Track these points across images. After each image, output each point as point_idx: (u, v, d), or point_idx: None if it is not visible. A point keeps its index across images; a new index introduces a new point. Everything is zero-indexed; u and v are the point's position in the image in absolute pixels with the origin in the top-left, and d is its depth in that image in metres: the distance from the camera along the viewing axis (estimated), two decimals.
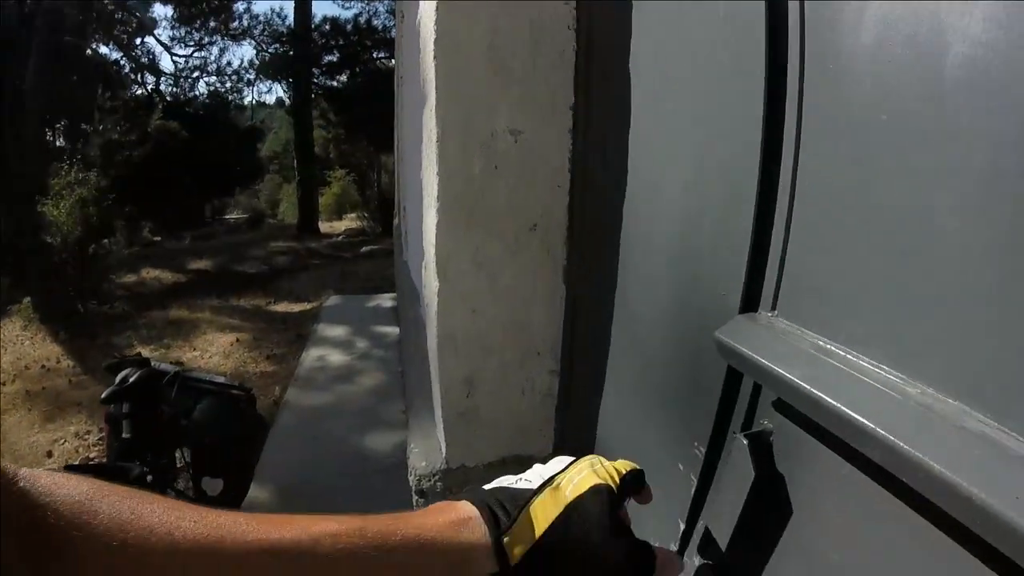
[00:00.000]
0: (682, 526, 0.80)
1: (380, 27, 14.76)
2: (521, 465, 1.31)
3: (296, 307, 7.49)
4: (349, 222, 16.21)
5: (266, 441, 3.32)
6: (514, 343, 1.08)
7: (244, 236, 14.98)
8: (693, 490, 0.77)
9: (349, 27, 14.97)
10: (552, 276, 1.04)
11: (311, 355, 4.79)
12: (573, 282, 1.04)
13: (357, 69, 15.07)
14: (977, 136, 0.39)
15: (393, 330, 5.00)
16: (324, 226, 15.67)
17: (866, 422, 0.41)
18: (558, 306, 1.06)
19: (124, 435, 2.74)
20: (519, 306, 1.04)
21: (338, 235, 14.06)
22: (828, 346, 0.52)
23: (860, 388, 0.45)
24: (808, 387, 0.47)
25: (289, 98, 15.96)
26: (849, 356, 0.50)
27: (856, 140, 0.50)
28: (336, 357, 4.72)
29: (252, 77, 16.11)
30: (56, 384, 5.26)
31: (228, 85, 16.48)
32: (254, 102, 21.73)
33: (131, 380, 2.74)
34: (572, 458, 0.60)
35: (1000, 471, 0.33)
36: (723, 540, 0.62)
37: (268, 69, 15.15)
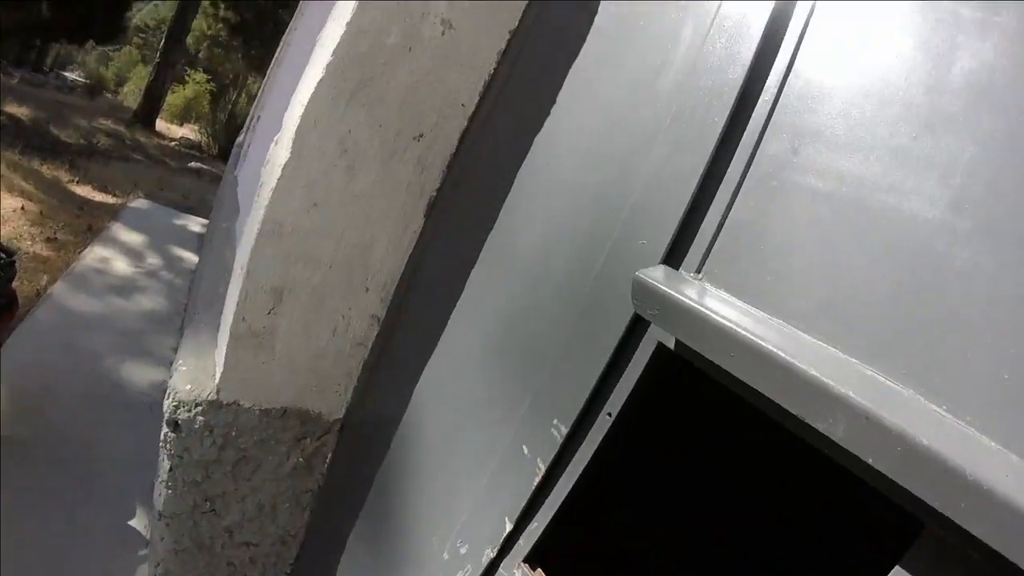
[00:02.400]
0: (508, 526, 0.66)
1: None
2: (304, 423, 1.09)
3: (98, 196, 6.45)
4: (189, 131, 14.54)
5: (14, 331, 2.72)
6: (344, 264, 0.88)
7: (76, 100, 12.85)
8: (537, 479, 0.64)
9: None
10: (415, 201, 0.87)
11: (95, 253, 4.11)
12: (436, 218, 0.88)
13: None
14: None
15: (192, 258, 4.48)
16: (162, 125, 13.96)
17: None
18: (408, 239, 0.89)
19: None
20: (366, 220, 0.86)
21: (173, 140, 12.60)
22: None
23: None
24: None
25: None
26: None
27: None
28: (121, 265, 4.09)
29: None
30: None
31: None
32: None
33: None
34: None
35: None
36: None
37: None
